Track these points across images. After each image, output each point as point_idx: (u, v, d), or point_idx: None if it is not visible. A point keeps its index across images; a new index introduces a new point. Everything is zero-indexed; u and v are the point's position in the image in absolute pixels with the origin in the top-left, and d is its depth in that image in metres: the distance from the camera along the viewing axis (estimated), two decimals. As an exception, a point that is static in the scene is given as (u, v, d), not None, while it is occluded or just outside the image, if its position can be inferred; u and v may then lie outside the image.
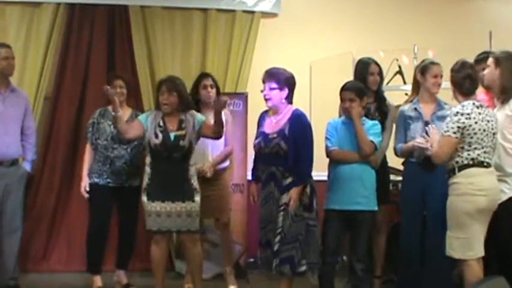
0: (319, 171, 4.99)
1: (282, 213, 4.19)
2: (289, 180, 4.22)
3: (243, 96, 5.88)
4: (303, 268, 4.22)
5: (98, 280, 5.13)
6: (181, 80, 4.77)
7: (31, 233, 5.86)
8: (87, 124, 5.21)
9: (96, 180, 5.05)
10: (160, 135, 4.51)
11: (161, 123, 4.56)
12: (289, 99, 4.37)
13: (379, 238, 5.00)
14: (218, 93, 5.14)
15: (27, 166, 5.18)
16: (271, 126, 4.33)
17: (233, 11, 6.25)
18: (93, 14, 6.14)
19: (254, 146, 4.39)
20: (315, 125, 5.33)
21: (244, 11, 6.27)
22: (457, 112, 3.93)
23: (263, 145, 4.28)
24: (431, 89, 4.69)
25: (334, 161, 4.49)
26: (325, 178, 4.68)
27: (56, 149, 6.08)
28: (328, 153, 4.49)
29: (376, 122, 4.56)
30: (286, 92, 4.34)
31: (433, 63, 4.74)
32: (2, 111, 5.01)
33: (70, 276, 5.73)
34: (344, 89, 4.51)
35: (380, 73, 4.97)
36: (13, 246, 5.07)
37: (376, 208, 4.45)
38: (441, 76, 4.68)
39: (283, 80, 4.32)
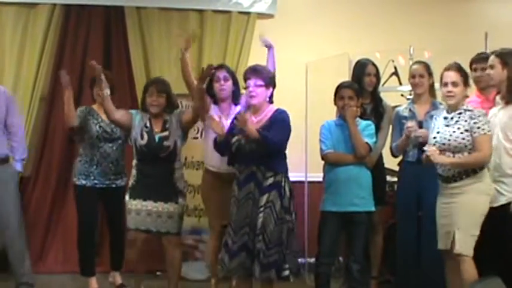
0: (315, 173, 5.01)
1: (261, 214, 4.09)
2: (270, 181, 4.13)
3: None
4: (287, 272, 4.13)
5: (93, 282, 5.13)
6: (168, 81, 4.81)
7: (27, 234, 5.83)
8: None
9: (84, 182, 5.04)
10: (145, 136, 4.54)
11: (147, 124, 4.60)
12: (270, 99, 4.31)
13: (376, 239, 5.01)
14: (236, 86, 4.81)
15: (17, 166, 5.07)
16: (252, 124, 4.17)
17: (229, 12, 6.24)
18: (89, 15, 6.12)
19: (233, 143, 4.20)
20: (311, 126, 5.36)
21: (240, 12, 6.26)
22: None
23: (244, 142, 4.15)
24: (413, 89, 4.78)
25: (330, 163, 4.48)
26: (321, 179, 4.68)
27: (52, 149, 6.07)
28: (323, 156, 4.47)
29: (370, 122, 4.56)
30: (270, 90, 4.26)
31: (414, 63, 4.84)
32: None
33: (66, 277, 5.72)
34: (343, 86, 4.51)
35: (376, 74, 4.98)
36: (16, 247, 5.00)
37: (373, 209, 4.45)
38: (420, 76, 4.71)
39: (269, 78, 4.23)
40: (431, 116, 4.57)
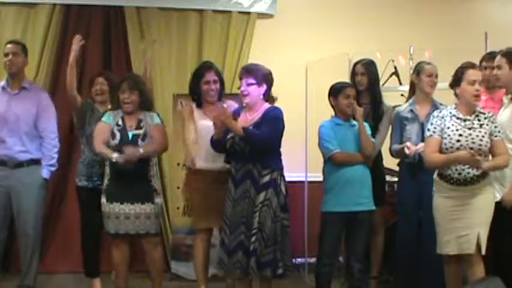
0: (315, 173, 5.00)
1: (258, 212, 4.09)
2: (266, 178, 4.14)
3: (239, 97, 5.86)
4: (280, 270, 4.14)
5: (97, 283, 5.13)
6: (142, 78, 4.80)
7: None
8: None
9: (86, 183, 5.01)
10: (118, 135, 4.47)
11: (120, 123, 4.51)
12: (266, 96, 4.29)
13: (376, 239, 5.01)
14: (222, 87, 4.81)
15: (42, 171, 5.00)
16: (246, 122, 4.22)
17: (229, 12, 6.26)
18: (89, 15, 6.14)
19: (227, 140, 4.22)
20: (311, 126, 5.34)
21: (240, 12, 6.28)
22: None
23: (238, 140, 4.15)
24: (426, 88, 4.71)
25: (336, 164, 4.43)
26: (321, 179, 4.66)
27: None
28: (331, 156, 4.39)
29: (366, 123, 4.56)
30: (264, 88, 4.26)
31: (427, 63, 4.79)
32: (4, 112, 4.91)
33: (66, 277, 5.74)
34: (348, 86, 4.54)
35: (367, 74, 4.93)
36: (29, 249, 4.97)
37: (374, 207, 4.47)
38: (436, 76, 4.70)
39: (261, 75, 4.24)
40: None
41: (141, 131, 4.50)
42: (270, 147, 4.18)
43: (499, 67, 4.15)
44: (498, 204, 4.02)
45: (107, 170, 4.52)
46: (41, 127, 5.01)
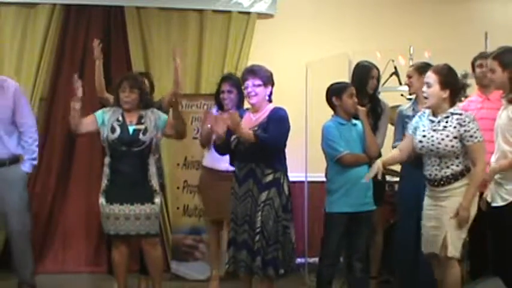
0: (315, 173, 5.00)
1: (260, 212, 4.11)
2: (269, 178, 4.15)
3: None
4: (282, 270, 4.17)
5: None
6: (142, 77, 4.81)
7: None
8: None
9: None
10: (117, 129, 4.45)
11: (120, 118, 4.52)
12: (270, 97, 4.32)
13: (375, 239, 5.01)
14: (241, 94, 4.87)
15: (24, 166, 5.00)
16: (251, 122, 4.24)
17: (229, 12, 6.25)
18: (89, 15, 6.13)
19: (231, 141, 4.23)
20: (311, 126, 5.35)
21: (240, 12, 6.27)
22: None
23: (242, 139, 4.15)
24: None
25: (345, 165, 4.40)
26: (321, 179, 4.66)
27: (52, 149, 6.07)
28: (340, 158, 4.37)
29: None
30: (269, 89, 4.29)
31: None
32: None
33: (66, 277, 5.74)
34: (349, 84, 4.54)
35: (378, 77, 5.02)
36: (19, 249, 4.99)
37: (375, 207, 4.49)
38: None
39: (267, 77, 4.27)
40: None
41: (142, 126, 4.49)
42: (279, 149, 4.20)
43: (492, 70, 4.08)
44: (499, 208, 3.98)
45: (106, 170, 4.50)
46: (19, 122, 4.95)
